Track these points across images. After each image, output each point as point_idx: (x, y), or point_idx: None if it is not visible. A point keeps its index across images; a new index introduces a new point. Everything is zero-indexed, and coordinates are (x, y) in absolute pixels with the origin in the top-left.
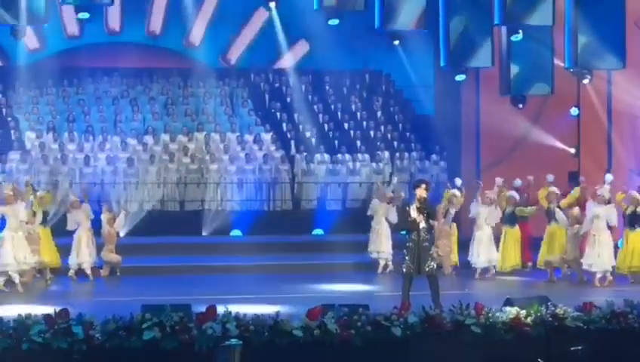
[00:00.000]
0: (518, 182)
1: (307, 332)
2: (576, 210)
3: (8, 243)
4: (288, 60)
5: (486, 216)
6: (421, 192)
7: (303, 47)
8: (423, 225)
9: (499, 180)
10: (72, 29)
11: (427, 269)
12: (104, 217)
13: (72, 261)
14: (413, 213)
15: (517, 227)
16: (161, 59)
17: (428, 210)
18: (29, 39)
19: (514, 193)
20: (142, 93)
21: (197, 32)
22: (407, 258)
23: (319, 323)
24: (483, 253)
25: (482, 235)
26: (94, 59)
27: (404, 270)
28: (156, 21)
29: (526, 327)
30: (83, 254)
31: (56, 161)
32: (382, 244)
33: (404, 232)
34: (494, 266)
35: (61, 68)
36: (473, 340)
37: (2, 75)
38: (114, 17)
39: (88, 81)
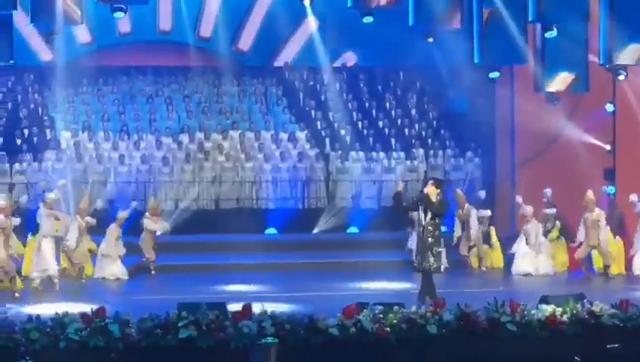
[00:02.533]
0: (548, 192)
1: (343, 330)
2: (589, 193)
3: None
4: (323, 59)
5: (531, 233)
6: (427, 189)
7: (338, 46)
8: (427, 221)
9: (519, 199)
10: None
11: (425, 265)
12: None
13: (99, 272)
14: (421, 208)
15: (562, 237)
16: (195, 57)
17: (429, 207)
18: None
19: (549, 211)
20: (176, 91)
21: (247, 36)
22: (416, 254)
23: (355, 322)
24: (533, 262)
25: (538, 248)
26: (129, 57)
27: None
28: (207, 24)
29: (562, 325)
30: (109, 266)
31: (91, 160)
32: None
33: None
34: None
35: (96, 67)
36: (509, 338)
37: (38, 74)
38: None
39: (123, 80)
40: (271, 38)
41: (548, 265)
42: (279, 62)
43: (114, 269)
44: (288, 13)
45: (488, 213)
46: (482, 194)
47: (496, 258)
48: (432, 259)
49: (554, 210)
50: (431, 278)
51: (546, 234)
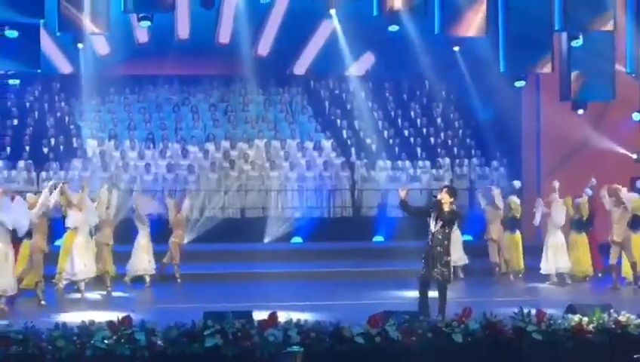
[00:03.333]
0: (589, 191)
1: (368, 338)
2: (623, 191)
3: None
4: (350, 67)
5: (553, 217)
6: (440, 195)
7: (364, 55)
8: (436, 228)
9: (556, 183)
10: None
11: (435, 274)
12: (169, 202)
13: (130, 267)
14: (431, 216)
15: (584, 233)
16: (221, 66)
17: (441, 214)
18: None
19: (580, 200)
20: (202, 100)
21: (265, 42)
22: (423, 260)
23: (380, 330)
24: (554, 259)
25: (554, 241)
26: (155, 66)
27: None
28: (225, 30)
29: (588, 334)
30: (141, 261)
31: (117, 169)
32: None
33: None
34: (567, 274)
35: (122, 76)
36: (534, 347)
37: (65, 83)
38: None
39: (149, 88)
40: (295, 44)
41: (567, 263)
42: (302, 70)
43: (144, 264)
44: (310, 20)
45: (518, 201)
46: (517, 184)
47: (519, 261)
48: (441, 269)
49: (585, 199)
50: (444, 289)
51: (574, 225)
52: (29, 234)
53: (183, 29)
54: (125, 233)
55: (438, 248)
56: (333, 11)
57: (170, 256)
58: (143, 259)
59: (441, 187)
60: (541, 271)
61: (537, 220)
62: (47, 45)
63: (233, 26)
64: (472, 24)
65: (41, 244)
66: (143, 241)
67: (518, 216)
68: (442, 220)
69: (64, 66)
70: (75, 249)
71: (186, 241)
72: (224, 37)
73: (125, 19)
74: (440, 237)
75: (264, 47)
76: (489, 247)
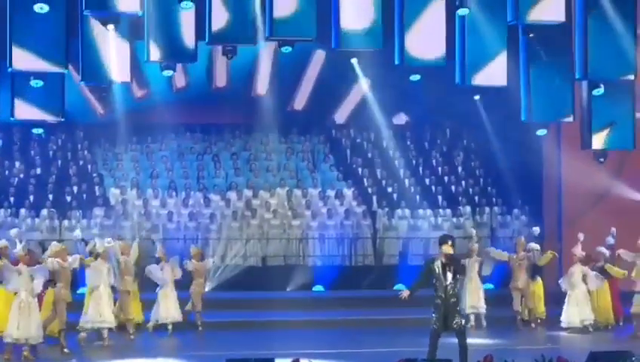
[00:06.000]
0: (610, 240)
1: None
2: None
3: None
4: (370, 114)
5: (580, 274)
6: (447, 248)
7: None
8: (449, 281)
9: (580, 236)
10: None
11: (454, 325)
12: (192, 249)
13: (155, 315)
14: (439, 269)
15: (605, 282)
16: (242, 114)
17: (454, 266)
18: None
19: (603, 249)
20: (224, 149)
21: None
22: (434, 314)
23: None
24: (579, 312)
25: (578, 293)
26: (177, 115)
27: (432, 326)
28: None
29: None
30: (167, 309)
31: (139, 217)
32: (475, 299)
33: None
34: (590, 324)
35: (144, 124)
36: None
37: (88, 131)
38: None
39: (171, 137)
40: (324, 98)
41: (590, 314)
42: (333, 120)
43: (170, 312)
44: (340, 74)
45: (537, 247)
46: (536, 230)
47: (539, 307)
48: (459, 319)
49: (606, 252)
50: (464, 335)
51: (596, 270)
52: (52, 282)
53: (180, 80)
54: (150, 280)
55: (452, 299)
56: (354, 60)
57: (191, 305)
58: (169, 307)
59: (444, 240)
60: (562, 324)
61: (564, 286)
62: (79, 90)
63: (232, 71)
64: (493, 74)
65: (65, 293)
66: (167, 289)
67: (542, 264)
68: (457, 271)
69: (94, 111)
70: (93, 299)
71: (207, 289)
72: (220, 81)
73: (146, 68)
74: (453, 285)
75: (262, 87)
76: (513, 296)
